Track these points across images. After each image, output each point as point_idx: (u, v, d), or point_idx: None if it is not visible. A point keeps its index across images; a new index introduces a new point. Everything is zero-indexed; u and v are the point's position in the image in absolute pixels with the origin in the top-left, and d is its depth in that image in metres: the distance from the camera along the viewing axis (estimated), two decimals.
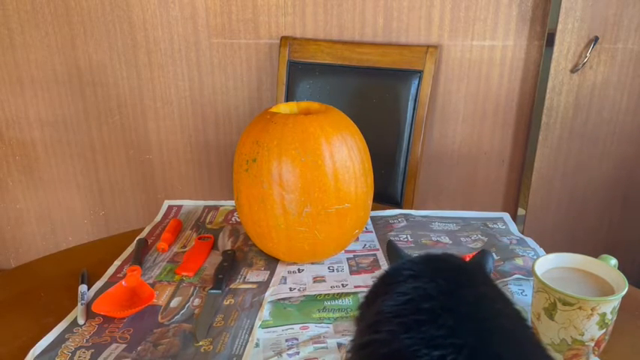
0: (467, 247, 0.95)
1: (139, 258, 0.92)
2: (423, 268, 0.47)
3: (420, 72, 1.49)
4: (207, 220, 1.07)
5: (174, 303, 0.82)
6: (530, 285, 0.83)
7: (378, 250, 0.95)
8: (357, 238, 0.98)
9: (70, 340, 0.73)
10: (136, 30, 1.71)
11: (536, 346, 0.41)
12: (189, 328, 0.76)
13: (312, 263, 0.92)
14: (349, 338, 0.46)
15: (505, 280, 0.84)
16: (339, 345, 0.72)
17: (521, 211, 1.76)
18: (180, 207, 1.13)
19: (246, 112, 1.78)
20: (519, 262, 0.89)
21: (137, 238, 0.99)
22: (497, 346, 0.38)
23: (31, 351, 0.70)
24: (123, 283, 0.84)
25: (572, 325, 0.65)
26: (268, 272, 0.89)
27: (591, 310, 0.64)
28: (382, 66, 1.52)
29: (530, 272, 0.85)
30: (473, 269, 0.49)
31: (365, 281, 0.86)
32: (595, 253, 0.74)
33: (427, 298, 0.42)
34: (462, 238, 0.99)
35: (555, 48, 1.55)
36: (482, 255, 0.59)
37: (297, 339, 0.74)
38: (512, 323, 0.42)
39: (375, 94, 1.51)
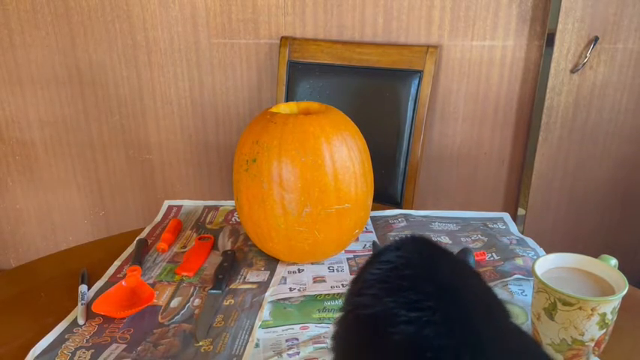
0: None
1: (139, 258, 0.92)
2: (407, 241, 0.51)
3: (420, 72, 1.49)
4: (207, 220, 1.07)
5: (174, 303, 0.82)
6: (530, 285, 0.83)
7: None
8: (357, 238, 0.98)
9: (70, 340, 0.73)
10: (136, 30, 1.71)
11: (503, 312, 0.44)
12: (189, 329, 0.76)
13: (312, 263, 0.92)
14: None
15: (505, 280, 0.84)
16: None
17: (521, 211, 1.76)
18: (180, 207, 1.13)
19: (246, 112, 1.79)
20: (519, 262, 0.89)
21: (137, 238, 0.99)
22: (468, 309, 0.41)
23: (31, 351, 0.70)
24: (123, 283, 0.84)
25: (573, 325, 0.65)
26: (268, 272, 0.89)
27: (591, 310, 0.64)
28: (382, 66, 1.52)
29: (530, 272, 0.85)
30: (452, 252, 0.53)
31: None
32: (595, 253, 0.74)
33: (409, 266, 0.45)
34: (462, 238, 0.99)
35: (555, 48, 1.55)
36: (462, 252, 0.62)
37: (297, 339, 0.74)
38: (483, 292, 0.46)
39: (375, 94, 1.51)
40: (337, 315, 0.48)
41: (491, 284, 0.64)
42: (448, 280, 0.44)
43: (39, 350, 0.71)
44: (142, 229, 1.04)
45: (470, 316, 0.40)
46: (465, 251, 0.62)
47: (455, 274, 0.46)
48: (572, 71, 1.58)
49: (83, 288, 0.84)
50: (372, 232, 1.02)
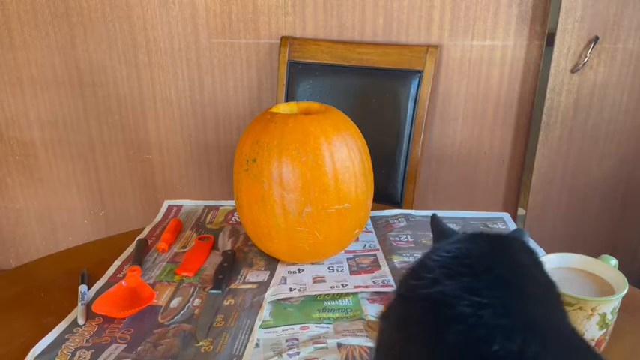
0: None
1: (139, 258, 0.92)
2: (466, 235, 0.52)
3: (420, 72, 1.49)
4: (207, 220, 1.07)
5: (174, 303, 0.82)
6: None
7: (378, 250, 0.95)
8: (357, 238, 0.98)
9: (70, 340, 0.73)
10: (136, 30, 1.71)
11: (560, 312, 0.45)
12: (189, 329, 0.76)
13: (312, 263, 0.92)
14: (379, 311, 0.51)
15: None
16: (339, 345, 0.72)
17: (521, 211, 1.76)
18: (180, 207, 1.13)
19: (246, 112, 1.79)
20: None
21: (137, 238, 0.99)
22: (524, 300, 0.42)
23: (31, 351, 0.70)
24: (123, 283, 0.84)
25: None
26: (268, 272, 0.89)
27: (591, 310, 0.64)
28: (382, 66, 1.52)
29: None
30: (513, 238, 0.53)
31: (365, 281, 0.86)
32: (595, 253, 0.74)
33: (469, 256, 0.46)
34: None
35: (555, 48, 1.55)
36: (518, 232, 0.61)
37: (297, 339, 0.74)
38: (542, 288, 0.47)
39: (375, 94, 1.51)
40: (391, 299, 0.49)
41: None
42: (507, 272, 0.45)
43: (39, 350, 0.71)
44: (142, 229, 1.04)
45: (525, 306, 0.41)
46: (520, 232, 0.62)
47: (515, 267, 0.47)
48: (572, 71, 1.58)
49: (83, 288, 0.84)
50: (372, 232, 1.01)
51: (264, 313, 0.79)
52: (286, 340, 0.73)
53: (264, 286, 0.85)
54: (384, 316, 0.49)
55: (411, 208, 1.21)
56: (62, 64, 1.77)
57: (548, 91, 1.60)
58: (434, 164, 1.75)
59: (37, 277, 0.90)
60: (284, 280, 0.87)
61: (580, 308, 0.64)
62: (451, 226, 1.04)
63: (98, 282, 0.87)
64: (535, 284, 0.46)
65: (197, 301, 0.82)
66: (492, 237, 0.51)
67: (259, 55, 1.71)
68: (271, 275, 0.88)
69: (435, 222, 0.63)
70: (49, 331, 0.75)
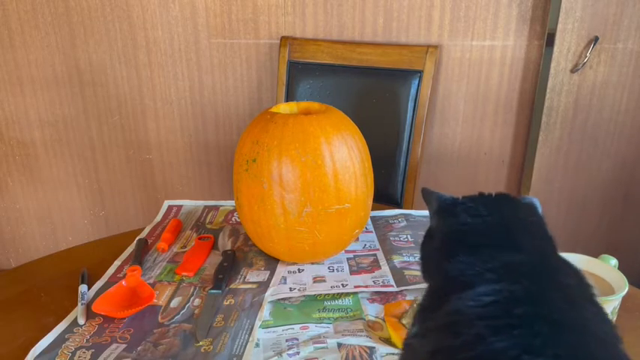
0: None
1: (139, 258, 0.92)
2: (501, 266, 0.43)
3: (420, 72, 1.49)
4: (207, 220, 1.07)
5: (174, 303, 0.82)
6: None
7: (378, 250, 0.95)
8: (357, 238, 0.98)
9: (71, 340, 0.73)
10: (135, 30, 1.71)
11: (617, 351, 0.41)
12: (189, 328, 0.76)
13: (312, 263, 0.92)
14: (411, 327, 0.43)
15: None
16: (339, 345, 0.72)
17: None
18: (180, 207, 1.13)
19: (246, 112, 1.78)
20: None
21: (137, 238, 0.99)
22: (585, 348, 0.37)
23: (31, 351, 0.71)
24: (123, 283, 0.84)
25: None
26: (268, 272, 0.89)
27: None
28: (382, 66, 1.52)
29: None
30: (556, 259, 0.46)
31: (365, 281, 0.86)
32: (595, 253, 0.74)
33: (517, 301, 0.39)
34: None
35: (555, 48, 1.55)
36: (531, 203, 0.53)
37: (297, 339, 0.74)
38: (604, 332, 0.41)
39: (375, 94, 1.51)
40: (409, 345, 0.41)
41: None
42: (563, 316, 0.39)
43: (39, 350, 0.71)
44: (142, 229, 1.04)
45: (591, 356, 0.36)
46: (530, 199, 0.53)
47: (569, 306, 0.40)
48: (572, 71, 1.58)
49: (83, 288, 0.84)
50: (372, 232, 1.02)
51: (264, 313, 0.79)
52: (286, 340, 0.73)
53: (264, 286, 0.85)
54: None
55: (411, 208, 1.21)
56: (62, 64, 1.77)
57: (548, 91, 1.60)
58: (434, 164, 1.75)
59: (37, 277, 0.90)
60: (284, 280, 0.87)
61: None
62: None
63: (98, 282, 0.87)
64: (594, 323, 0.40)
65: (197, 301, 0.82)
66: (528, 264, 0.43)
67: (259, 55, 1.71)
68: (271, 275, 0.88)
69: (428, 193, 0.56)
70: (49, 331, 0.75)
